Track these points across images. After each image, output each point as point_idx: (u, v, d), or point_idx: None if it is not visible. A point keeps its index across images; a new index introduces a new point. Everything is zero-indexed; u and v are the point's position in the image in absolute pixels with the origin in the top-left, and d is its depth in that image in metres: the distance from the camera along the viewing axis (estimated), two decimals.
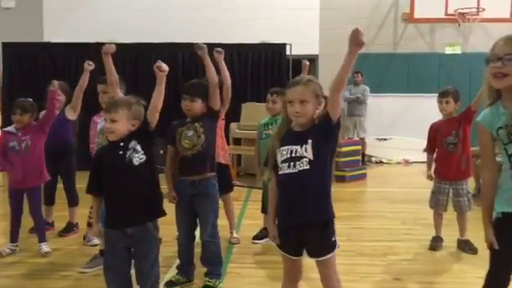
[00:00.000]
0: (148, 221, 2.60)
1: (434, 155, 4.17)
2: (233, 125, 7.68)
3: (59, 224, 4.62)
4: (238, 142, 7.83)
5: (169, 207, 2.93)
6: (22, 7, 9.21)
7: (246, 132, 7.44)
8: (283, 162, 2.28)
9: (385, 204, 5.98)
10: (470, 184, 4.22)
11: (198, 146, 3.18)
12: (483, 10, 8.92)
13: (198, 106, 3.22)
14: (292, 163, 2.25)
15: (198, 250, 3.37)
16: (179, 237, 3.35)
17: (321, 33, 9.48)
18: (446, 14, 9.09)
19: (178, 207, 3.29)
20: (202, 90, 3.27)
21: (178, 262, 3.40)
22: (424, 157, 4.39)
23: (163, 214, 2.67)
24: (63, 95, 4.43)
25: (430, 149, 4.20)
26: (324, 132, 2.24)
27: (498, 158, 2.16)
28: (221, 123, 3.97)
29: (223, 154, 4.13)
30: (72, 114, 4.42)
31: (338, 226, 2.33)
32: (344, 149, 7.34)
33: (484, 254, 2.12)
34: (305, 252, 2.35)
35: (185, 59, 8.91)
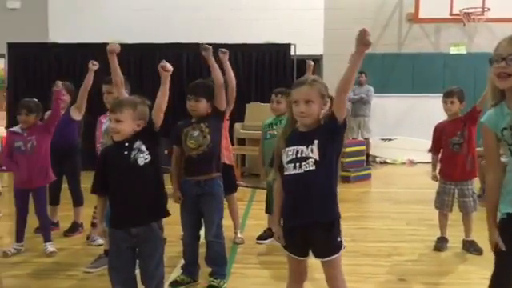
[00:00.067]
0: (152, 221, 2.60)
1: (439, 156, 4.16)
2: (237, 125, 7.68)
3: (64, 224, 4.63)
4: (242, 142, 7.84)
5: (173, 207, 2.94)
6: (27, 8, 9.25)
7: (250, 132, 7.44)
8: (289, 162, 2.28)
9: (389, 204, 5.97)
10: (476, 184, 4.20)
11: (203, 146, 3.18)
12: (488, 9, 8.89)
13: (202, 105, 3.22)
14: (298, 164, 2.24)
15: (202, 250, 3.37)
16: (184, 237, 3.35)
17: (325, 33, 9.47)
18: (451, 14, 9.06)
19: (183, 207, 3.29)
20: (207, 89, 3.27)
21: (182, 262, 3.41)
22: (429, 157, 4.38)
23: (167, 214, 2.67)
24: (68, 95, 4.44)
25: (434, 149, 4.19)
26: (330, 132, 2.24)
27: (503, 159, 2.15)
28: (225, 123, 3.97)
29: (227, 154, 4.13)
30: (77, 114, 4.43)
31: (343, 226, 2.33)
32: (348, 149, 7.32)
33: (489, 254, 2.11)
34: (310, 252, 2.35)
35: (189, 59, 8.93)
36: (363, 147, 7.99)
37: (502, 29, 8.08)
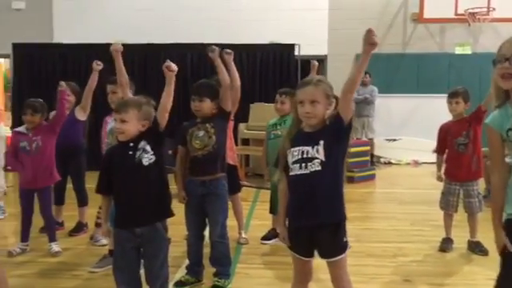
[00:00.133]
0: (157, 221, 2.60)
1: (444, 156, 4.15)
2: (241, 125, 7.68)
3: (69, 224, 4.64)
4: (246, 142, 7.84)
5: (177, 207, 2.94)
6: (32, 8, 9.28)
7: (254, 132, 7.43)
8: (294, 162, 2.27)
9: (394, 205, 5.95)
10: (481, 185, 4.19)
11: (208, 146, 3.18)
12: (493, 9, 8.84)
13: (207, 105, 3.22)
14: (303, 164, 2.24)
15: (206, 251, 3.37)
16: (188, 237, 3.36)
17: (329, 33, 9.45)
18: (456, 14, 9.02)
19: (188, 208, 3.29)
20: (211, 89, 3.27)
21: (187, 262, 3.41)
22: (434, 158, 4.37)
23: (172, 214, 2.68)
24: (73, 95, 4.45)
25: (440, 150, 4.17)
26: (336, 133, 2.23)
27: (508, 160, 2.14)
28: (230, 124, 3.97)
29: (231, 154, 4.13)
30: (82, 115, 4.44)
31: (347, 226, 2.32)
32: (353, 149, 7.31)
33: (495, 255, 2.10)
34: (315, 252, 2.34)
35: (193, 59, 8.95)
36: (367, 147, 7.98)
37: (507, 29, 8.08)
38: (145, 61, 8.83)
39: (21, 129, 4.01)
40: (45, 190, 3.98)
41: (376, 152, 9.09)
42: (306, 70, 5.27)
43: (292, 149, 2.29)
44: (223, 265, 3.32)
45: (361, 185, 7.18)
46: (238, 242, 4.24)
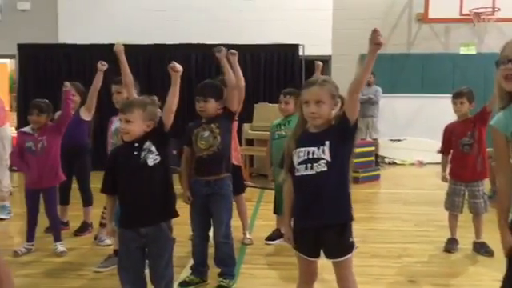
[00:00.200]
0: (161, 221, 2.61)
1: (449, 156, 4.13)
2: (245, 125, 7.68)
3: (74, 224, 4.66)
4: (250, 142, 7.83)
5: (182, 208, 2.95)
6: (37, 9, 9.30)
7: (258, 133, 7.43)
8: (300, 163, 2.27)
9: (399, 205, 5.94)
10: (486, 185, 4.17)
11: (214, 146, 3.19)
12: (498, 9, 8.80)
13: (211, 106, 3.22)
14: (309, 165, 2.24)
15: (211, 251, 3.37)
16: (193, 238, 3.36)
17: (334, 33, 9.43)
18: (461, 14, 8.99)
19: (193, 208, 3.30)
20: (215, 89, 3.28)
21: (191, 262, 3.41)
22: (438, 158, 4.36)
23: (176, 214, 2.68)
24: (78, 96, 4.46)
25: (444, 150, 4.16)
26: (341, 133, 2.23)
27: None
28: (234, 124, 3.98)
29: (235, 155, 4.13)
30: (87, 115, 4.45)
31: (352, 227, 2.32)
32: (357, 150, 7.27)
33: (500, 256, 2.09)
34: (321, 252, 2.34)
35: (198, 60, 8.96)
36: (372, 148, 7.96)
37: None
38: (149, 61, 8.85)
39: (26, 129, 4.03)
40: (50, 190, 3.99)
41: (380, 152, 9.06)
42: (310, 71, 5.27)
43: (298, 149, 2.29)
44: (228, 265, 3.33)
45: (365, 185, 7.17)
46: (243, 243, 4.23)
